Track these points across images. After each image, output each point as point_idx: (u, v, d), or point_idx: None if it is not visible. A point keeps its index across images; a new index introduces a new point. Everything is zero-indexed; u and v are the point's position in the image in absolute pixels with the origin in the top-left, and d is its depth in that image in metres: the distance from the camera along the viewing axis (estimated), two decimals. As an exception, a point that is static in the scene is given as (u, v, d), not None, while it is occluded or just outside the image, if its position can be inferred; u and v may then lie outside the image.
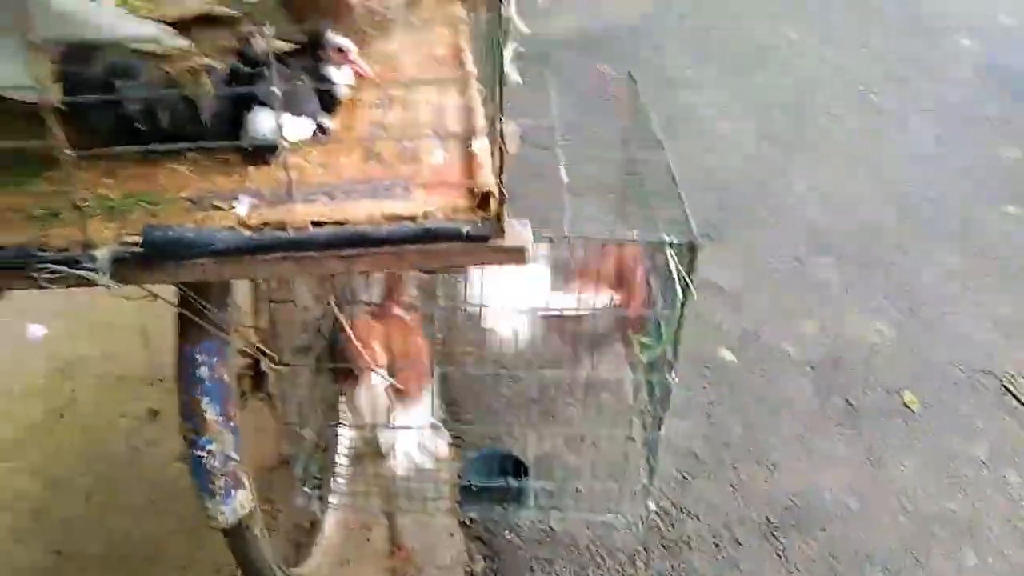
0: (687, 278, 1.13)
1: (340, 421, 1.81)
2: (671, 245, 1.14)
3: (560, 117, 1.51)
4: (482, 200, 0.87)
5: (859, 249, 2.63)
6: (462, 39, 1.35)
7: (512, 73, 0.98)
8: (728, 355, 2.27)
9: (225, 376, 1.14)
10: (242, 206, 0.90)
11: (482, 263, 0.88)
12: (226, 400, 1.15)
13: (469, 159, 0.96)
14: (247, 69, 1.00)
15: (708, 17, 4.24)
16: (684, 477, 1.93)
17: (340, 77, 1.08)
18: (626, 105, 1.61)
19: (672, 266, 1.12)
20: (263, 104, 0.97)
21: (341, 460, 1.90)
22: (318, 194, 0.92)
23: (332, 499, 1.82)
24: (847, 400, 2.12)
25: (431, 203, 0.89)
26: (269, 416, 1.52)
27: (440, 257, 0.86)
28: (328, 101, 1.08)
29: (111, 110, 0.92)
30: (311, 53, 1.08)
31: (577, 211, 1.31)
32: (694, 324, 2.32)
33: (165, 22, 1.14)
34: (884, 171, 3.02)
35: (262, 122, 0.97)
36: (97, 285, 0.82)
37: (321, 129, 1.06)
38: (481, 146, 0.95)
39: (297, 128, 1.02)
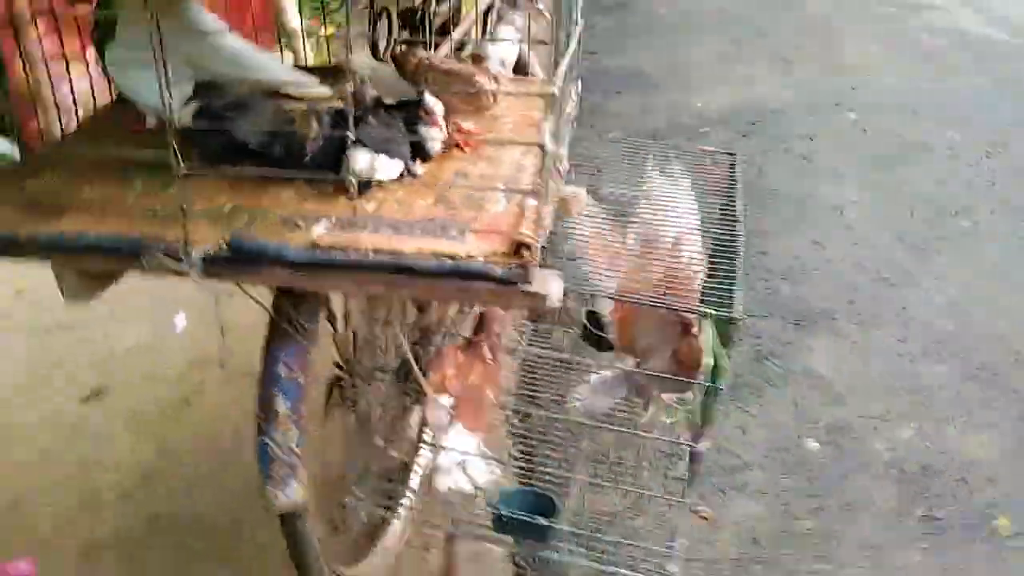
0: (725, 352, 1.17)
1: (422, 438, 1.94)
2: (709, 317, 1.18)
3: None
4: (517, 248, 0.97)
5: (978, 360, 2.49)
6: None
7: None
8: (814, 445, 2.22)
9: (300, 378, 1.29)
10: (319, 227, 1.05)
11: (509, 305, 0.98)
12: (297, 399, 1.29)
13: (521, 212, 1.07)
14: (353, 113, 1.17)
15: (866, 111, 4.15)
16: (739, 560, 1.90)
17: (431, 133, 1.23)
18: (721, 183, 1.68)
19: (709, 338, 1.16)
20: (363, 144, 1.13)
21: (415, 476, 2.01)
22: (386, 227, 1.06)
23: (400, 511, 1.93)
24: (932, 513, 2.01)
25: (476, 247, 1.00)
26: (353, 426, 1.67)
27: (472, 294, 0.97)
28: (420, 151, 1.23)
29: (229, 137, 1.10)
30: (410, 110, 1.23)
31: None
32: (785, 409, 2.31)
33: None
34: (1021, 286, 2.84)
35: (359, 159, 1.13)
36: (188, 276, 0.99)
37: (410, 172, 1.20)
38: (532, 202, 1.06)
39: (388, 167, 1.17)
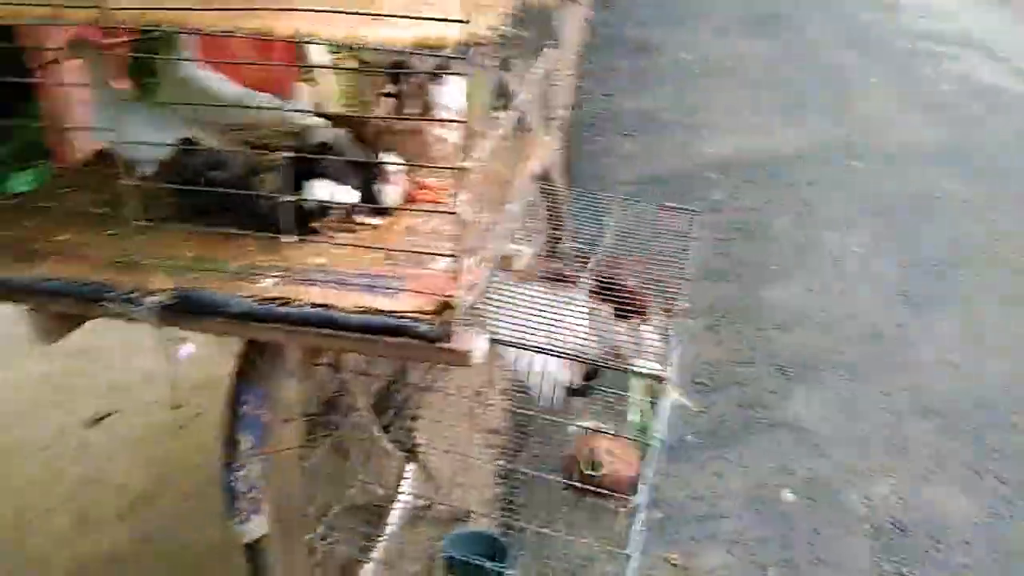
0: (651, 411, 1.21)
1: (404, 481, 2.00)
2: (638, 375, 1.23)
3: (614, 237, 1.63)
4: (442, 307, 1.04)
5: (965, 421, 2.48)
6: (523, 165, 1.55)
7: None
8: (790, 497, 2.23)
9: (264, 416, 1.37)
10: (268, 280, 1.13)
11: (430, 361, 1.04)
12: (261, 436, 1.37)
13: (455, 272, 1.13)
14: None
15: (875, 161, 4.16)
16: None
17: (386, 190, 1.31)
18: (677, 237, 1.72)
19: (635, 395, 1.21)
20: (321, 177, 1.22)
21: (393, 519, 2.07)
22: (332, 281, 1.14)
23: (373, 553, 1.99)
24: (903, 573, 2.01)
25: (407, 304, 1.07)
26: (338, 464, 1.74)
27: (398, 350, 1.04)
28: (376, 205, 1.30)
29: (202, 194, 1.19)
30: (368, 169, 1.31)
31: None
32: (764, 458, 2.33)
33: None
34: (1019, 349, 2.82)
35: (317, 189, 1.22)
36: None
37: (371, 223, 1.28)
38: (468, 263, 1.12)
39: (345, 195, 1.25)
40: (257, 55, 1.68)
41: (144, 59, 1.49)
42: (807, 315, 2.95)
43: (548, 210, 2.71)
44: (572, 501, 1.51)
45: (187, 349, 2.78)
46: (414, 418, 2.05)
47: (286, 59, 1.88)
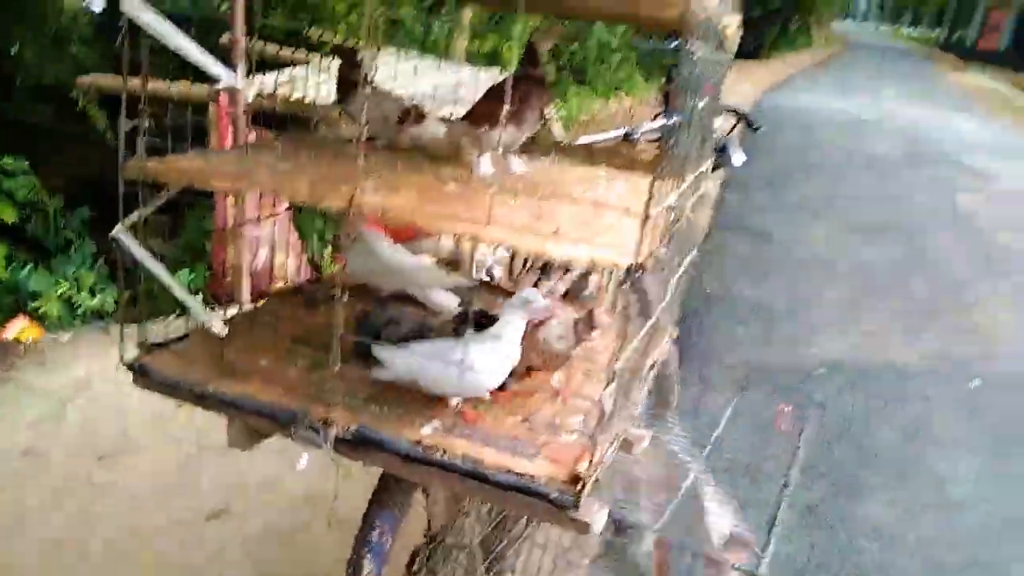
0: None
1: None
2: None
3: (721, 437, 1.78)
4: (575, 478, 1.21)
5: None
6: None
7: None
8: None
9: (388, 544, 1.54)
10: (427, 428, 1.33)
11: (556, 524, 1.19)
12: (382, 561, 1.53)
13: (586, 447, 1.30)
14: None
15: (993, 381, 4.12)
16: None
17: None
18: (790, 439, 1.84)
19: None
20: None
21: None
22: (478, 437, 1.33)
23: None
24: None
25: (542, 469, 1.24)
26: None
27: (531, 509, 1.20)
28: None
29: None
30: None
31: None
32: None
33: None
34: None
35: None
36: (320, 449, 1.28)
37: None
38: (595, 440, 1.29)
39: None
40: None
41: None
42: (902, 538, 2.91)
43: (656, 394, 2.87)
44: None
45: (304, 460, 3.00)
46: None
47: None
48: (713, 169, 6.72)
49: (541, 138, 2.32)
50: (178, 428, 3.00)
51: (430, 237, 2.62)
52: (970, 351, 4.40)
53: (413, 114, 1.61)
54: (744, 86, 13.82)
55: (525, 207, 1.38)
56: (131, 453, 2.90)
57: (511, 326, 1.40)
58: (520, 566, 2.09)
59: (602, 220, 1.35)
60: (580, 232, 1.27)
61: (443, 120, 1.82)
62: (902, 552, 2.82)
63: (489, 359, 1.35)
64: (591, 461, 1.22)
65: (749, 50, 16.72)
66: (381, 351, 1.38)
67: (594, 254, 1.16)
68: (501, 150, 1.60)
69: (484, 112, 1.59)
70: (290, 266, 3.86)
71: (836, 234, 6.28)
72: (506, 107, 1.26)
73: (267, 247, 3.75)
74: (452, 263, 3.12)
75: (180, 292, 1.49)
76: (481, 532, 1.85)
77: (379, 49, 3.21)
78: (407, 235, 2.46)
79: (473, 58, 6.60)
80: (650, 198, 1.08)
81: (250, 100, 2.49)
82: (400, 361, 1.37)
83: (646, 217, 1.08)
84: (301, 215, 4.30)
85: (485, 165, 1.60)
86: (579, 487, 1.19)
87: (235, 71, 1.97)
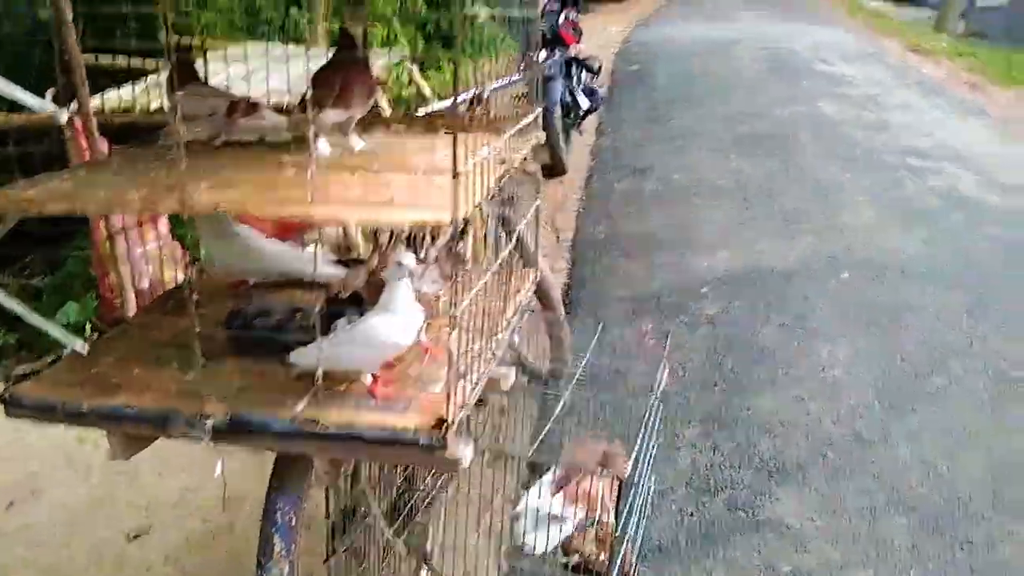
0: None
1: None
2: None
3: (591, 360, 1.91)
4: (439, 423, 1.31)
5: (941, 518, 2.64)
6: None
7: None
8: (775, 594, 2.39)
9: (294, 522, 1.61)
10: (300, 405, 1.41)
11: (430, 466, 1.30)
12: (290, 540, 1.61)
13: (450, 395, 1.40)
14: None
15: (859, 270, 4.44)
16: None
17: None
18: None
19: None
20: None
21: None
22: (351, 404, 1.41)
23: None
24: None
25: (412, 420, 1.34)
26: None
27: (406, 457, 1.30)
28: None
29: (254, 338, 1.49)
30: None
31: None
32: (751, 556, 2.50)
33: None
34: (997, 447, 2.99)
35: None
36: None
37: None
38: (459, 384, 1.40)
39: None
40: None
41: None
42: (793, 422, 3.16)
43: (548, 333, 3.00)
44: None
45: (220, 466, 3.03)
46: (424, 524, 2.28)
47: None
48: (582, 116, 6.80)
49: (390, 112, 2.36)
50: (84, 459, 2.98)
51: (315, 227, 2.65)
52: (838, 248, 4.72)
53: (242, 107, 1.65)
54: (612, 27, 14.05)
55: (361, 182, 1.46)
56: (40, 494, 2.87)
57: (399, 290, 1.47)
58: (442, 522, 2.21)
59: (432, 184, 1.44)
60: (411, 198, 1.36)
61: (279, 109, 1.86)
62: (794, 434, 3.07)
63: (392, 325, 1.43)
64: (452, 404, 1.32)
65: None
66: (294, 355, 1.44)
67: (419, 216, 1.25)
68: (334, 131, 1.67)
69: (313, 97, 1.65)
70: (180, 278, 3.80)
71: (711, 156, 6.55)
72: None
73: (153, 263, 3.69)
74: (345, 247, 3.17)
75: (37, 321, 1.51)
76: (387, 497, 1.95)
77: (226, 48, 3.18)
78: (294, 228, 2.49)
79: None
80: (455, 158, 1.17)
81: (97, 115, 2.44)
82: (313, 354, 1.42)
83: (455, 175, 1.18)
84: (181, 225, 4.22)
85: (323, 147, 1.66)
86: (443, 430, 1.29)
87: (56, 95, 1.94)
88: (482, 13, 1.33)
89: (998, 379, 3.41)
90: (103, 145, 2.22)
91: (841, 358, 3.60)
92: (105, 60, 3.12)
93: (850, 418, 3.18)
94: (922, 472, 2.86)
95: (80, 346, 1.52)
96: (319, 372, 1.37)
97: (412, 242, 2.31)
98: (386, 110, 2.99)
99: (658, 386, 1.85)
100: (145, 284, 3.40)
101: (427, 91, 4.13)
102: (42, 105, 1.83)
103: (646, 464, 1.75)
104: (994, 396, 3.30)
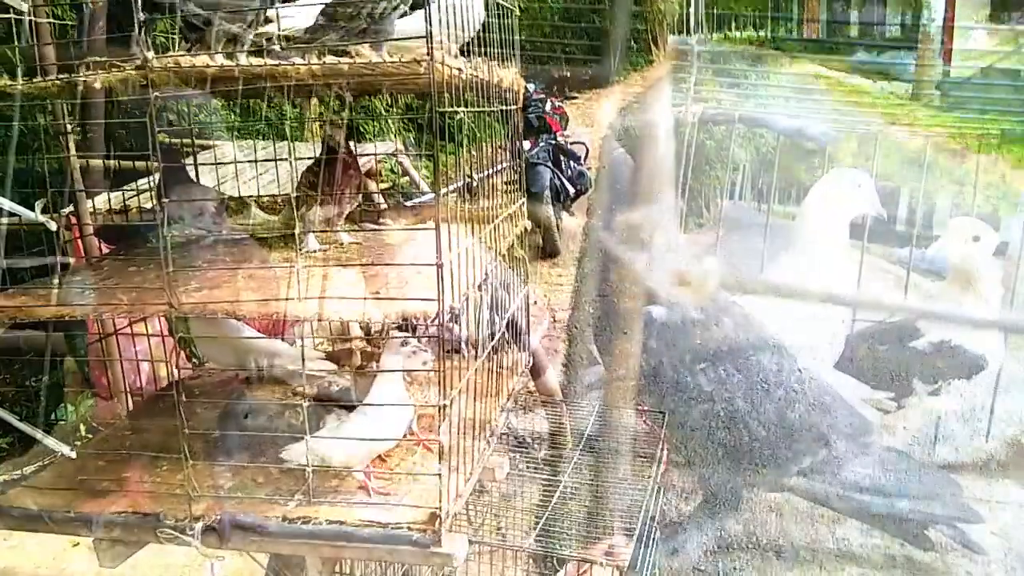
0: None
1: None
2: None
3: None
4: (432, 518, 1.28)
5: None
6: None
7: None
8: None
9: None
10: (292, 503, 1.39)
11: (423, 563, 1.27)
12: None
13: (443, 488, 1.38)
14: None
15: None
16: None
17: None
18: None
19: None
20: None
21: None
22: (342, 501, 1.39)
23: None
24: None
25: (404, 515, 1.32)
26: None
27: (398, 555, 1.27)
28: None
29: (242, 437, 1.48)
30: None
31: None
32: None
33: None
34: None
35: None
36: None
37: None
38: (451, 477, 1.37)
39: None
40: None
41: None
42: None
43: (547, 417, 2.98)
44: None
45: (218, 566, 2.95)
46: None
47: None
48: (572, 200, 6.88)
49: (383, 203, 2.41)
50: (76, 564, 2.90)
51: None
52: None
53: (231, 205, 1.69)
54: (600, 113, 14.42)
55: (349, 276, 1.47)
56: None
57: (387, 384, 1.46)
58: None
59: (419, 274, 1.45)
60: (399, 289, 1.37)
61: (268, 206, 1.90)
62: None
63: (381, 420, 1.43)
64: (445, 497, 1.30)
65: (600, 80, 17.40)
66: (285, 452, 1.43)
67: (406, 308, 1.26)
68: (322, 226, 1.70)
69: (302, 195, 1.68)
70: (175, 375, 3.78)
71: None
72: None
73: (148, 362, 3.68)
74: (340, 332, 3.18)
75: (22, 425, 1.50)
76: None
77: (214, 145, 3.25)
78: (286, 321, 2.50)
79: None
80: (438, 249, 1.19)
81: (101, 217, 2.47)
82: (305, 450, 1.40)
83: (439, 266, 1.19)
84: (176, 322, 4.22)
85: (312, 243, 1.68)
86: (437, 524, 1.27)
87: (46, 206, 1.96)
88: (461, 110, 1.37)
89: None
90: (95, 246, 2.25)
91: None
92: (96, 163, 3.19)
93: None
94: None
95: (68, 451, 1.50)
96: (308, 470, 1.35)
97: (405, 327, 2.32)
98: (380, 203, 3.04)
99: (657, 469, 1.83)
100: (142, 382, 3.39)
101: (420, 181, 4.21)
102: (32, 216, 1.86)
103: (650, 550, 1.71)
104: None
